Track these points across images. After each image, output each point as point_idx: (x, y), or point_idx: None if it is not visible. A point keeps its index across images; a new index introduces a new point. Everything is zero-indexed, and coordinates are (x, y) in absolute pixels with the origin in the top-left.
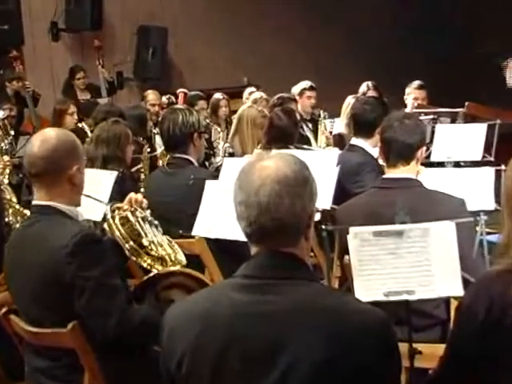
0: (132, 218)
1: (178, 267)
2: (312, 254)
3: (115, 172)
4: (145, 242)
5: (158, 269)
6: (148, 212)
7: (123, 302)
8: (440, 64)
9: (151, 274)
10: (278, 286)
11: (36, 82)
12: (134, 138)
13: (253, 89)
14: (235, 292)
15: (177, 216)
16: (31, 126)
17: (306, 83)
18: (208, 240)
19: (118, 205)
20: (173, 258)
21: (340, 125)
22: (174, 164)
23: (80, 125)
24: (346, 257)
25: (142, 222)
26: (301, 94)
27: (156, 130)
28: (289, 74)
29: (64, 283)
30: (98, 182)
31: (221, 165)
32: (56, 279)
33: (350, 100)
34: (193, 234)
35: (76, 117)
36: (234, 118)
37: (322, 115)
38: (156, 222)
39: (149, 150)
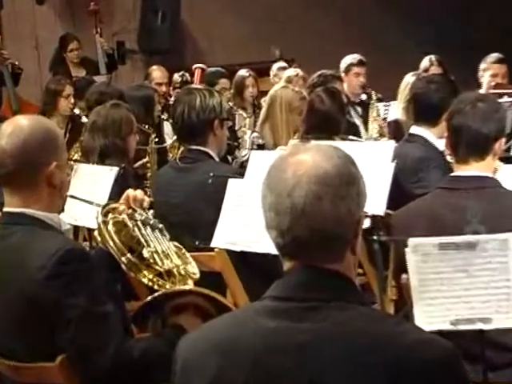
0: (129, 223)
1: (189, 285)
2: (360, 270)
3: (115, 168)
4: (146, 252)
5: (163, 286)
6: (150, 213)
7: (118, 331)
8: None
9: (156, 294)
10: (318, 311)
11: (17, 54)
12: (138, 125)
13: (283, 64)
14: (263, 317)
15: (192, 223)
16: (10, 109)
17: (353, 57)
18: (231, 253)
19: (113, 205)
20: (182, 272)
21: (397, 109)
22: (189, 158)
23: (77, 111)
24: (404, 275)
25: (142, 227)
26: (347, 70)
27: (165, 116)
28: (331, 46)
29: (42, 312)
30: (95, 181)
31: (247, 159)
32: (32, 307)
33: (409, 78)
34: (212, 245)
35: (72, 100)
36: (264, 100)
37: (374, 97)
38: (160, 226)
39: (156, 140)
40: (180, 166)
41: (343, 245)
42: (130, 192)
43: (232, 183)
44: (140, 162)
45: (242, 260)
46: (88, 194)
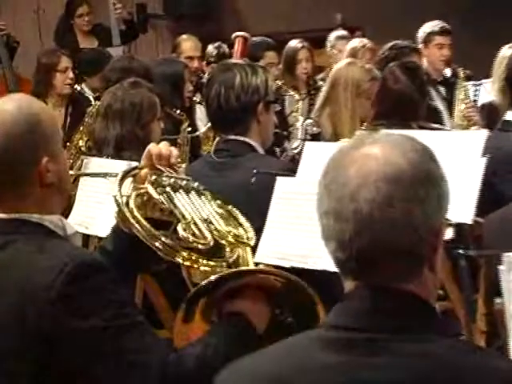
0: (155, 193)
1: (243, 253)
2: (441, 292)
3: (134, 163)
4: (181, 229)
5: (207, 266)
6: (182, 168)
7: (158, 340)
8: None
9: (204, 282)
10: (390, 343)
11: (14, 23)
12: (165, 109)
13: (342, 32)
14: (321, 350)
15: None
16: (5, 88)
17: (434, 24)
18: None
19: (132, 172)
20: (232, 239)
21: (490, 90)
22: (227, 151)
23: (78, 87)
24: (498, 299)
25: (172, 194)
26: (427, 41)
27: (197, 98)
28: (405, 12)
29: (46, 343)
30: (110, 179)
31: (300, 152)
32: (34, 338)
33: (506, 51)
34: (255, 260)
35: (71, 75)
36: (322, 78)
37: (461, 75)
38: (195, 185)
39: (189, 129)
40: (216, 160)
41: (419, 260)
42: (153, 148)
43: (280, 182)
44: None
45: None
46: (101, 194)
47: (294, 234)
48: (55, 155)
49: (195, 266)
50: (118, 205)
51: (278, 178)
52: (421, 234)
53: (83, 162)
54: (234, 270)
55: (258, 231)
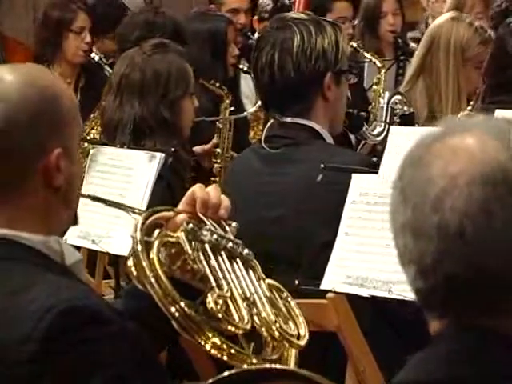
0: (189, 248)
1: (291, 364)
2: None
3: (159, 154)
4: (211, 300)
5: (237, 358)
6: (234, 228)
7: None
8: None
9: (228, 373)
10: None
11: None
12: (200, 81)
13: None
14: None
15: (289, 248)
16: None
17: None
18: (355, 301)
19: (163, 214)
20: (276, 333)
21: None
22: (283, 138)
23: (96, 57)
24: None
25: (210, 254)
26: None
27: (244, 66)
28: None
29: None
30: (125, 175)
31: (384, 140)
32: None
33: None
34: (323, 286)
35: (88, 39)
36: (412, 39)
37: None
38: (245, 252)
39: (232, 108)
40: (268, 151)
41: None
42: (198, 191)
43: (357, 181)
44: (207, 146)
45: (376, 312)
46: (113, 198)
47: (375, 250)
48: (71, 151)
49: (223, 357)
50: (135, 251)
51: (354, 176)
52: None
53: (89, 153)
54: (269, 366)
55: (326, 246)
